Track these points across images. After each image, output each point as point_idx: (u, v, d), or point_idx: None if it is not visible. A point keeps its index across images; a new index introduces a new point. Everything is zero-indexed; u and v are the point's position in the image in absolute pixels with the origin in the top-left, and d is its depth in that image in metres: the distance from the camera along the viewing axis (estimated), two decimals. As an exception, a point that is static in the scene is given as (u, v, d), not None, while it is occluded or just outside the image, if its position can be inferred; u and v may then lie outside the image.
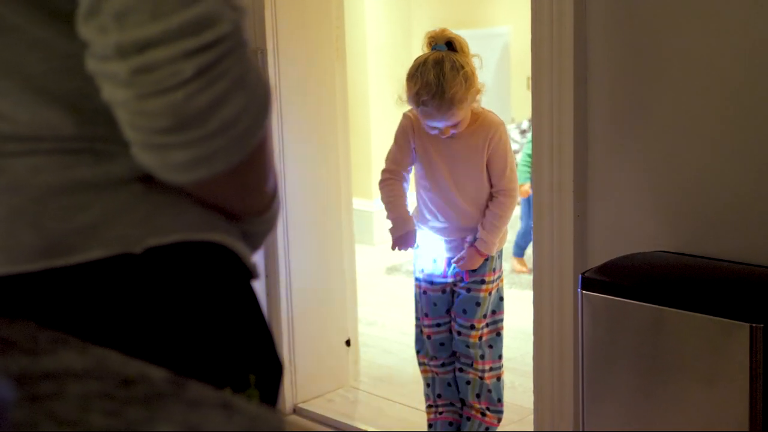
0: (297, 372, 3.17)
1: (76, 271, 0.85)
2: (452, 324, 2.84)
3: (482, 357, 2.82)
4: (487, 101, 7.91)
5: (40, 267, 0.84)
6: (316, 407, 3.18)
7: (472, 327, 2.79)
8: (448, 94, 2.59)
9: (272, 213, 0.99)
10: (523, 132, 6.31)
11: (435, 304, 2.85)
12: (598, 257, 2.31)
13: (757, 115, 2.07)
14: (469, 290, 2.80)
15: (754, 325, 1.86)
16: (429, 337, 2.86)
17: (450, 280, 2.81)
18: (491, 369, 2.85)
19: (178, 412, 0.61)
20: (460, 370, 2.85)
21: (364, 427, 2.95)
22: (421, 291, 2.85)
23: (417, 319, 2.91)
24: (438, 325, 2.85)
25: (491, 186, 2.74)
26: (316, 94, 3.19)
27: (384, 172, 2.81)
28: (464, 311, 2.80)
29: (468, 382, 2.82)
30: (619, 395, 2.10)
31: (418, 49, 2.84)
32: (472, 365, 2.82)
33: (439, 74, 2.59)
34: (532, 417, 2.56)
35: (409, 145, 2.76)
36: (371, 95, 4.39)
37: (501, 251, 2.84)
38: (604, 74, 2.30)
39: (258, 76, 0.86)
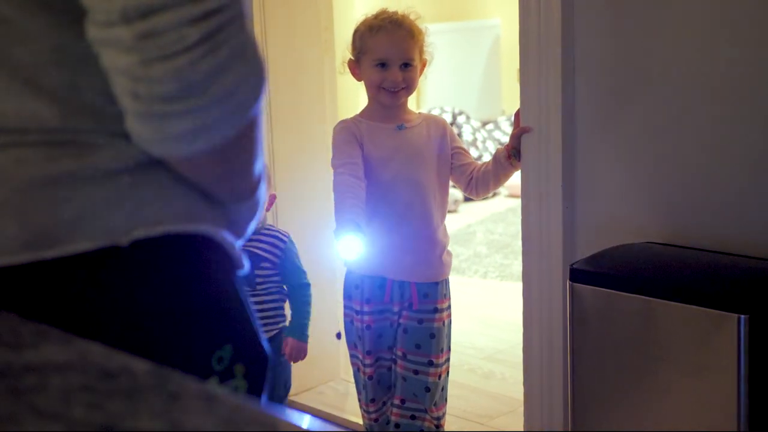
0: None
1: (62, 264, 0.84)
2: (400, 363, 2.47)
3: (436, 404, 2.48)
4: (477, 93, 7.87)
5: (24, 259, 0.84)
6: (307, 400, 3.19)
7: (431, 363, 2.45)
8: (406, 22, 2.40)
9: (257, 199, 0.99)
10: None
11: (380, 336, 2.49)
12: (587, 248, 2.32)
13: (747, 107, 2.08)
14: (420, 321, 2.45)
15: (741, 315, 1.87)
16: (371, 377, 2.52)
17: (396, 308, 2.46)
18: (444, 415, 2.53)
19: (160, 405, 0.61)
20: (412, 417, 2.48)
21: (354, 419, 2.95)
22: (364, 326, 2.47)
23: (354, 356, 2.56)
24: (378, 359, 2.51)
25: (465, 172, 2.48)
26: (305, 87, 3.19)
27: (336, 167, 2.38)
28: (417, 346, 2.45)
29: None
30: (609, 386, 2.11)
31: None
32: (425, 411, 2.47)
33: (398, 12, 2.44)
34: (522, 408, 2.56)
35: (355, 139, 2.40)
36: (360, 87, 4.39)
37: (448, 279, 2.53)
38: (592, 65, 2.30)
39: (255, 48, 0.87)
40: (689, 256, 2.14)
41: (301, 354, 2.65)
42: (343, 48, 2.53)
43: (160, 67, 0.80)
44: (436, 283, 2.48)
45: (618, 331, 2.07)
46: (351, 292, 2.51)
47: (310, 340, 2.97)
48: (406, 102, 2.48)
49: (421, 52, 2.43)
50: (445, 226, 2.52)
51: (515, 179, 2.50)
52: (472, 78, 7.20)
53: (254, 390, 0.98)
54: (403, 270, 2.44)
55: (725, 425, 1.91)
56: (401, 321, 2.47)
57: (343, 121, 2.49)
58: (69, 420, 0.58)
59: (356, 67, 2.45)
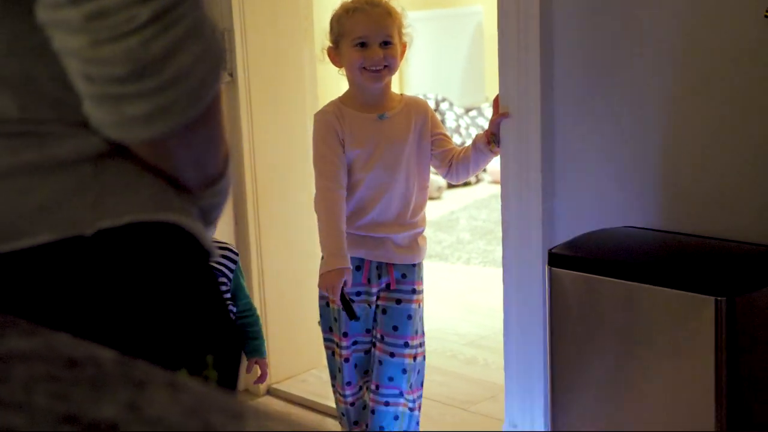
0: (270, 353, 3.17)
1: (26, 256, 0.84)
2: (378, 346, 2.46)
3: (411, 386, 2.47)
4: (460, 80, 7.86)
5: None
6: (290, 387, 3.19)
7: (406, 345, 2.45)
8: (383, 2, 2.39)
9: (225, 183, 0.98)
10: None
11: (357, 319, 2.46)
12: (566, 233, 2.33)
13: (725, 90, 2.08)
14: (399, 302, 2.45)
15: (719, 298, 1.88)
16: (347, 360, 2.49)
17: (374, 290, 2.45)
18: (420, 398, 2.52)
19: (124, 393, 0.61)
20: (386, 404, 2.46)
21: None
22: (340, 307, 2.43)
23: (328, 340, 2.53)
24: (355, 343, 2.49)
25: (444, 158, 2.47)
26: (285, 75, 3.18)
27: (321, 180, 2.38)
28: (395, 328, 2.44)
29: (396, 417, 2.47)
30: (588, 370, 2.12)
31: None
32: (400, 395, 2.46)
33: None
34: (503, 394, 2.57)
35: (335, 135, 2.38)
36: (341, 77, 4.38)
37: (422, 263, 2.52)
38: (570, 52, 2.30)
39: (213, 27, 0.85)
40: (667, 240, 2.15)
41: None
42: (323, 37, 2.51)
43: (111, 48, 0.79)
44: (414, 265, 2.48)
45: (597, 315, 2.08)
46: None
47: (292, 327, 2.96)
48: (389, 84, 2.45)
49: (401, 33, 2.41)
50: (424, 211, 2.52)
51: (498, 165, 2.50)
52: (455, 65, 7.20)
53: (227, 379, 0.97)
54: (381, 252, 2.44)
55: (704, 407, 1.93)
56: (379, 302, 2.47)
57: (323, 112, 2.45)
58: (31, 409, 0.58)
59: (336, 53, 2.43)
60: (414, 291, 2.48)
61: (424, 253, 2.52)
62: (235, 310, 2.36)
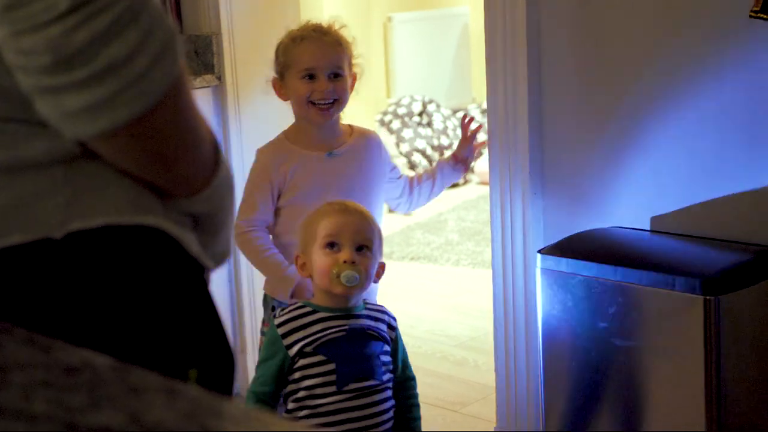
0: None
1: None
2: None
3: None
4: (447, 81, 7.85)
5: None
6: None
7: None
8: (332, 30, 2.21)
9: (214, 192, 0.92)
10: (484, 112, 6.35)
11: None
12: (556, 234, 2.33)
13: (709, 91, 2.09)
14: None
15: (708, 297, 1.89)
16: None
17: None
18: None
19: (121, 398, 0.61)
20: None
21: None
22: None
23: None
24: None
25: (404, 187, 2.33)
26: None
27: (240, 224, 2.19)
28: None
29: None
30: (578, 370, 2.12)
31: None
32: None
33: (322, 23, 2.25)
34: (494, 395, 2.58)
35: (269, 191, 2.20)
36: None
37: None
38: (558, 52, 2.31)
39: (157, 15, 0.81)
40: (656, 240, 2.16)
41: None
42: (267, 68, 2.33)
43: (31, 38, 0.77)
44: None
45: (587, 315, 2.08)
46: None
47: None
48: (338, 119, 2.27)
49: (351, 64, 2.25)
50: None
51: (486, 166, 2.50)
52: (442, 66, 7.20)
53: (218, 392, 0.94)
54: None
55: (695, 404, 1.94)
56: None
57: (263, 153, 2.28)
58: (30, 416, 0.58)
59: (281, 85, 2.25)
60: None
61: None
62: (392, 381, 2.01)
